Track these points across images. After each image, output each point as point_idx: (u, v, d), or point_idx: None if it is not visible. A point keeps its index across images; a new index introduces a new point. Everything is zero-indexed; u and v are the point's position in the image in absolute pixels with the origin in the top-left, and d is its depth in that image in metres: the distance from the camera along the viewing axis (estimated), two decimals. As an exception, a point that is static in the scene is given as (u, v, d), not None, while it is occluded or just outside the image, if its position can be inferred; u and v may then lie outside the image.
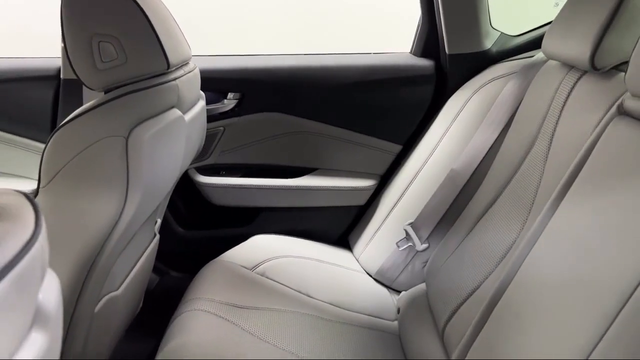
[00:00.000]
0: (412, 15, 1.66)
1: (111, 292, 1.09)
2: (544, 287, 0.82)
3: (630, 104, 0.81)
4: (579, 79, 1.06)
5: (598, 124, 0.90)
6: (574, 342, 0.70)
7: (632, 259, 0.67)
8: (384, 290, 1.50)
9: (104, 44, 0.95)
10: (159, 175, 1.03)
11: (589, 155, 0.86)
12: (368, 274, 1.54)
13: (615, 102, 0.88)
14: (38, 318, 0.41)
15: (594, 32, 0.96)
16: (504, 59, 1.49)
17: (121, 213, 0.94)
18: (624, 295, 0.66)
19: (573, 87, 1.07)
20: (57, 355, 0.46)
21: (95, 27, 0.94)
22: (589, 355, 0.67)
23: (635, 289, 0.65)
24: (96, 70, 0.96)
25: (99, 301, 1.03)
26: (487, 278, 1.09)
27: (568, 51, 1.05)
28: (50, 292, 0.44)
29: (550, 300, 0.79)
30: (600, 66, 0.97)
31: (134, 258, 1.19)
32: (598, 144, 0.84)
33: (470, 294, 1.11)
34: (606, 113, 0.89)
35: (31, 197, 0.44)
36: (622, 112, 0.84)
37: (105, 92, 0.99)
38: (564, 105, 1.08)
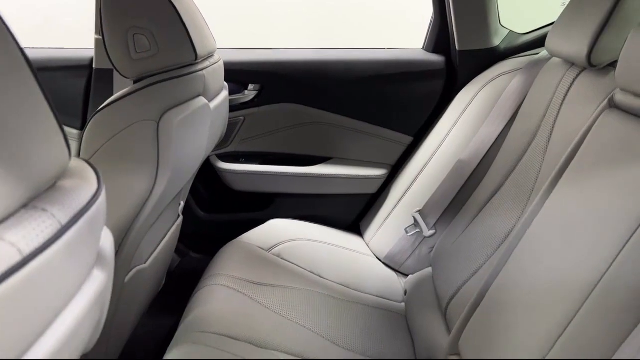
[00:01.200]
0: (424, 13, 1.73)
1: (139, 265, 1.18)
2: (536, 264, 0.90)
3: (620, 97, 0.89)
4: (578, 75, 1.13)
5: (592, 116, 0.97)
6: (557, 312, 0.78)
7: (611, 237, 0.74)
8: (392, 273, 1.58)
9: (138, 36, 1.04)
10: (186, 157, 1.12)
11: (580, 145, 0.93)
12: (377, 258, 1.62)
13: (608, 96, 0.95)
14: (99, 259, 0.50)
15: (591, 32, 1.03)
16: (511, 55, 1.56)
17: (152, 190, 1.03)
18: (602, 270, 0.73)
19: (572, 83, 1.14)
20: (109, 296, 0.55)
21: (131, 21, 1.03)
22: (570, 320, 0.75)
23: (611, 265, 0.72)
24: (131, 60, 1.05)
25: (128, 272, 1.13)
26: (488, 260, 1.17)
27: (568, 49, 1.12)
28: (106, 242, 0.53)
29: (540, 276, 0.86)
30: (597, 63, 1.04)
31: (160, 235, 1.28)
32: (589, 134, 0.92)
33: (472, 275, 1.19)
34: (599, 107, 0.95)
35: (91, 162, 0.53)
36: (612, 105, 0.91)
37: (135, 82, 1.08)
38: (563, 99, 1.15)
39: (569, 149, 0.95)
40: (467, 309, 1.05)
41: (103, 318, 0.54)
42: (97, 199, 0.47)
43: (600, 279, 0.73)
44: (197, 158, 1.22)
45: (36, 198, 0.41)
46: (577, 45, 1.07)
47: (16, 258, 0.35)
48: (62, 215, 0.41)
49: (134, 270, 1.15)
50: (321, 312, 1.30)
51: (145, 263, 1.21)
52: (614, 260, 0.72)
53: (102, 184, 0.50)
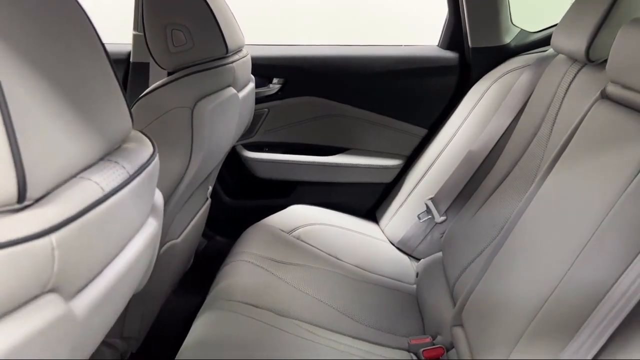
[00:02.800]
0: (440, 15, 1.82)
1: (172, 240, 1.30)
2: (532, 237, 0.99)
3: (610, 89, 0.97)
4: (579, 70, 1.22)
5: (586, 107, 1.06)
6: (548, 276, 0.87)
7: (595, 211, 0.84)
8: (405, 257, 1.67)
9: (176, 32, 1.16)
10: (216, 141, 1.23)
11: (574, 134, 1.02)
12: (391, 243, 1.72)
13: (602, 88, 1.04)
14: (152, 210, 0.62)
15: (590, 29, 1.11)
16: (521, 52, 1.64)
17: (186, 170, 1.15)
18: (585, 238, 0.82)
19: (574, 78, 1.22)
20: (159, 242, 0.67)
21: (170, 18, 1.15)
22: (559, 282, 0.84)
23: (593, 234, 0.82)
24: (169, 53, 1.16)
25: (163, 246, 1.25)
26: (492, 241, 1.26)
27: (570, 45, 1.20)
28: (158, 198, 0.65)
29: (537, 248, 0.96)
30: (595, 58, 1.13)
31: (191, 214, 1.40)
32: (582, 123, 1.01)
33: (477, 256, 1.28)
34: (593, 98, 1.04)
35: (145, 133, 0.65)
36: (604, 96, 0.99)
37: (170, 73, 1.20)
38: (565, 93, 1.24)
39: (565, 137, 1.03)
40: (470, 284, 1.14)
41: (153, 261, 0.66)
42: (153, 159, 0.58)
43: (587, 242, 0.82)
44: (226, 143, 1.34)
45: (110, 154, 0.52)
46: (577, 42, 1.15)
47: (100, 193, 0.46)
48: (130, 167, 0.52)
49: (167, 244, 1.27)
50: (337, 289, 1.40)
51: (177, 238, 1.32)
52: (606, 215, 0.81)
53: (156, 148, 0.61)
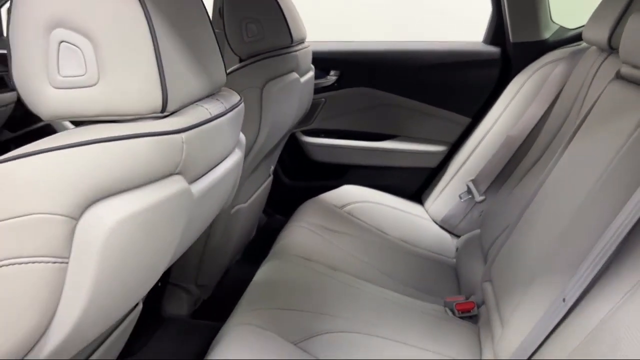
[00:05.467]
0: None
1: (241, 203, 1.52)
2: (553, 196, 1.14)
3: (624, 69, 1.11)
4: (605, 59, 1.35)
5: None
6: (559, 223, 1.02)
7: (600, 165, 0.98)
8: (447, 235, 1.83)
9: (249, 24, 1.38)
10: (280, 118, 1.44)
11: (592, 109, 1.16)
12: (434, 221, 1.88)
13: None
14: (239, 143, 0.83)
15: (612, 19, 1.25)
16: (558, 47, 1.78)
17: (254, 141, 1.36)
18: (591, 187, 0.97)
19: (600, 66, 1.36)
20: (240, 173, 0.88)
21: (246, 13, 1.37)
22: (567, 227, 0.99)
23: (597, 182, 0.96)
24: (243, 42, 1.39)
25: (233, 207, 1.46)
26: (524, 211, 1.41)
27: (597, 36, 1.34)
28: (242, 137, 0.86)
29: (554, 202, 1.11)
30: (616, 46, 1.26)
31: (257, 183, 1.61)
32: (598, 100, 1.15)
33: (508, 225, 1.43)
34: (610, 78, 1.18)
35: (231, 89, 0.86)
36: (618, 76, 1.14)
37: (241, 60, 1.41)
38: (592, 80, 1.38)
39: (584, 113, 1.18)
40: (498, 244, 1.30)
41: (237, 183, 0.86)
42: (240, 104, 0.79)
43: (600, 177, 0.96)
44: (288, 120, 1.55)
45: (214, 94, 0.74)
46: (602, 32, 1.29)
47: (208, 116, 0.67)
48: (226, 104, 0.73)
49: (236, 207, 1.49)
50: (381, 255, 1.58)
51: (245, 203, 1.54)
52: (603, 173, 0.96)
53: (242, 98, 0.82)
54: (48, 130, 2.05)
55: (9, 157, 0.52)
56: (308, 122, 2.04)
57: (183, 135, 0.61)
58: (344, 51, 2.00)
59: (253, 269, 1.87)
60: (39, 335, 0.56)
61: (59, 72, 0.58)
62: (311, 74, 1.69)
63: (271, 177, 1.80)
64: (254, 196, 1.62)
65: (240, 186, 1.43)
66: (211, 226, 1.44)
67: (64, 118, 0.60)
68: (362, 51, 1.99)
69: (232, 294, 1.42)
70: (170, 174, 0.62)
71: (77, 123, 0.61)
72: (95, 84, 0.58)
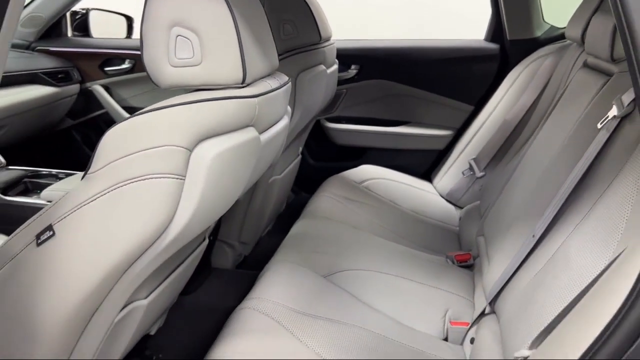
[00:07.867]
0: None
1: (276, 175, 1.81)
2: (531, 163, 1.41)
3: (589, 59, 1.39)
4: (581, 52, 1.62)
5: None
6: (533, 179, 1.30)
7: (562, 135, 1.26)
8: (452, 207, 2.11)
9: (285, 25, 1.67)
10: (310, 103, 1.73)
11: (563, 93, 1.44)
12: (441, 196, 2.16)
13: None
14: (286, 114, 1.12)
15: (584, 19, 1.52)
16: (548, 43, 2.05)
17: (291, 117, 1.65)
18: (557, 150, 1.25)
19: (577, 58, 1.63)
20: (284, 140, 1.17)
21: (283, 15, 1.66)
22: (539, 180, 1.27)
23: (561, 145, 1.24)
24: (280, 40, 1.68)
25: (270, 177, 1.76)
26: (511, 176, 1.68)
27: (575, 33, 1.61)
28: (289, 108, 1.15)
29: (533, 168, 1.38)
30: (587, 42, 1.53)
31: (289, 160, 1.91)
32: (569, 85, 1.42)
33: (499, 193, 1.70)
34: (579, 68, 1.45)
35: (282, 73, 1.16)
36: (585, 65, 1.41)
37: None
38: (571, 71, 1.64)
39: (557, 96, 1.46)
40: (491, 206, 1.58)
41: (283, 144, 1.16)
42: (289, 82, 1.08)
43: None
44: (316, 105, 1.84)
45: (271, 74, 1.03)
46: (577, 30, 1.56)
47: (270, 87, 0.97)
48: (281, 81, 1.03)
49: (273, 178, 1.78)
50: (394, 221, 1.86)
51: (280, 175, 1.83)
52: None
53: (289, 79, 1.12)
54: (104, 117, 2.37)
55: (150, 109, 0.82)
56: (331, 110, 2.33)
57: (256, 99, 0.90)
58: (363, 48, 2.29)
59: (284, 236, 2.17)
60: (164, 228, 0.85)
61: (175, 55, 0.88)
62: (335, 67, 1.98)
63: (300, 157, 2.10)
64: (286, 170, 1.91)
65: (277, 161, 1.72)
66: (253, 192, 1.73)
67: (178, 87, 0.90)
68: (379, 48, 2.29)
69: (267, 252, 1.71)
70: (247, 126, 0.91)
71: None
72: (199, 64, 0.88)
